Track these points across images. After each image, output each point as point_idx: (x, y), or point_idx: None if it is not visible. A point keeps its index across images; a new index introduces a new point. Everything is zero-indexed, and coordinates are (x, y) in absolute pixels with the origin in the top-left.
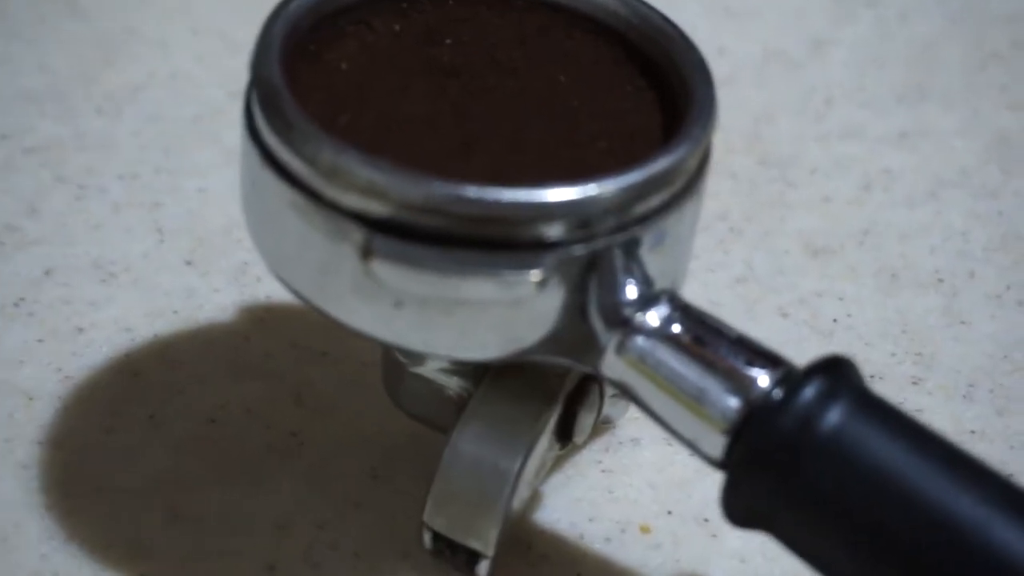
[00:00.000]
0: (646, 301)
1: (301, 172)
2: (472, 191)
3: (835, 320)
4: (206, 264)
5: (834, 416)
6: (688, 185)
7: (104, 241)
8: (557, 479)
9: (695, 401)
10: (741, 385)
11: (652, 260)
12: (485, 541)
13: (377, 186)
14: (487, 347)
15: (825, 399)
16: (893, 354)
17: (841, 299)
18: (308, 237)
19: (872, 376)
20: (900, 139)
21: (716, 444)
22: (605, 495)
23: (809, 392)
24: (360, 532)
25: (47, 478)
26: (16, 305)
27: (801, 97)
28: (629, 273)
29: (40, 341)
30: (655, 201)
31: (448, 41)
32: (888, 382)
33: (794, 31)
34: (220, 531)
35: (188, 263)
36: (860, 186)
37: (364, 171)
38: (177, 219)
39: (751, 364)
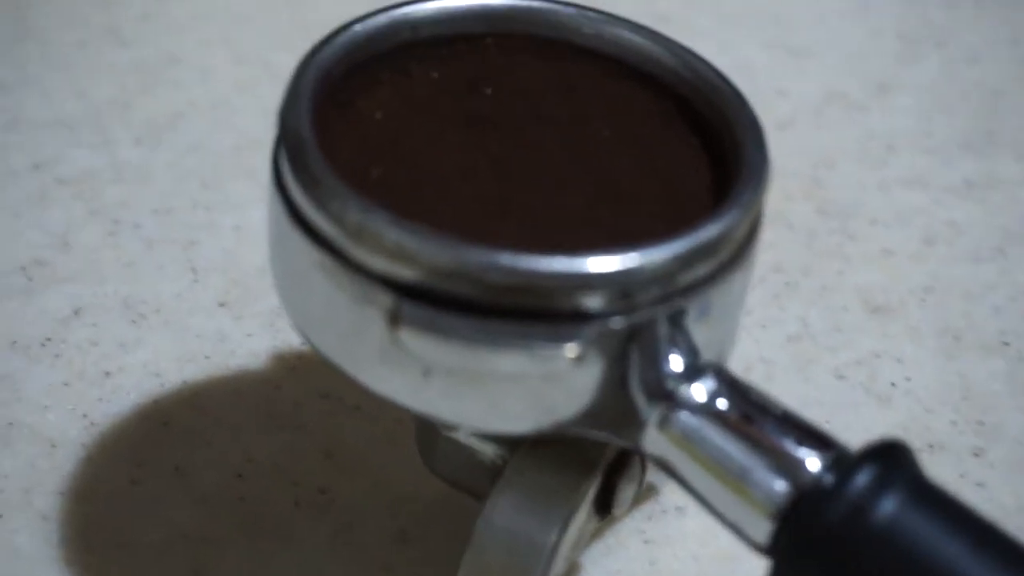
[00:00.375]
0: (691, 374)
1: (328, 231)
2: (506, 258)
3: (893, 384)
4: (240, 307)
5: (888, 506)
6: (737, 253)
7: (136, 279)
8: (597, 549)
9: (740, 482)
10: (789, 468)
11: (698, 331)
12: None
13: (406, 249)
14: (520, 420)
15: (878, 487)
16: (954, 422)
17: (900, 361)
18: (334, 299)
19: (931, 446)
20: (966, 189)
21: (761, 529)
22: (646, 567)
23: (862, 479)
24: None
25: (68, 531)
26: (43, 345)
27: (862, 142)
28: (673, 344)
29: (66, 384)
30: (702, 271)
31: (488, 90)
32: (947, 452)
33: (857, 72)
34: None
35: (221, 305)
36: (923, 239)
37: (392, 233)
38: (212, 258)
39: (800, 445)
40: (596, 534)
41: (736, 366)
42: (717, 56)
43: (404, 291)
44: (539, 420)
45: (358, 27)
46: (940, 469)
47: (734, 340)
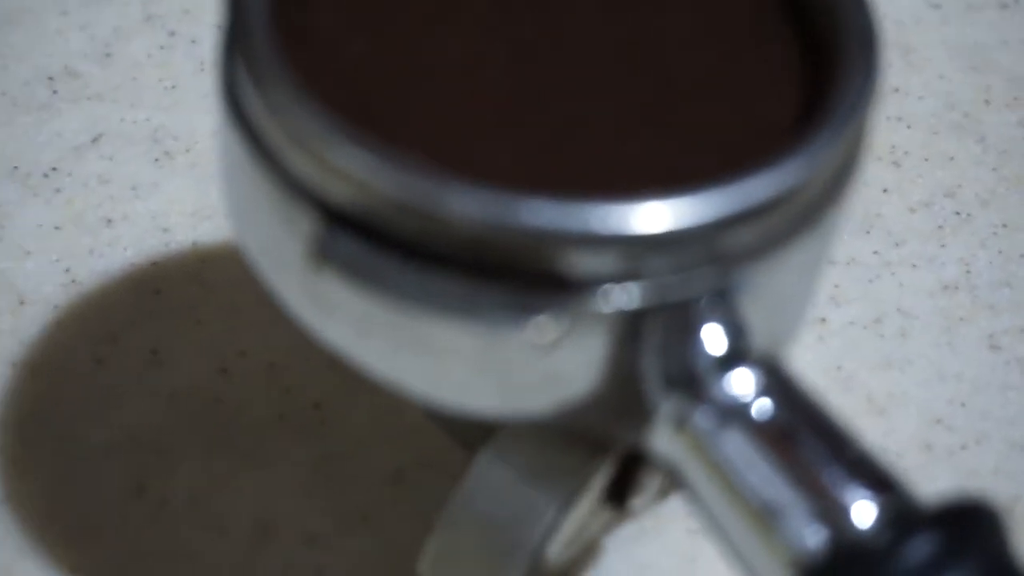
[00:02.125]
0: (730, 360)
1: (255, 117)
2: (460, 193)
3: None
4: None
5: None
6: (809, 213)
7: (174, 107)
8: (627, 531)
9: (764, 518)
10: (832, 513)
11: (745, 307)
12: None
13: (334, 158)
14: (479, 401)
15: (943, 561)
16: None
17: None
18: (259, 211)
19: None
20: None
21: None
22: (684, 565)
23: (922, 546)
24: (353, 562)
25: (8, 414)
26: (46, 176)
27: None
28: (709, 319)
29: (57, 228)
30: (746, 237)
31: None
32: None
33: None
34: (186, 520)
35: None
36: None
37: (320, 133)
38: None
39: (853, 485)
40: (607, 528)
41: (866, 313)
42: None
43: (334, 216)
44: (503, 405)
45: None
46: None
47: (800, 323)
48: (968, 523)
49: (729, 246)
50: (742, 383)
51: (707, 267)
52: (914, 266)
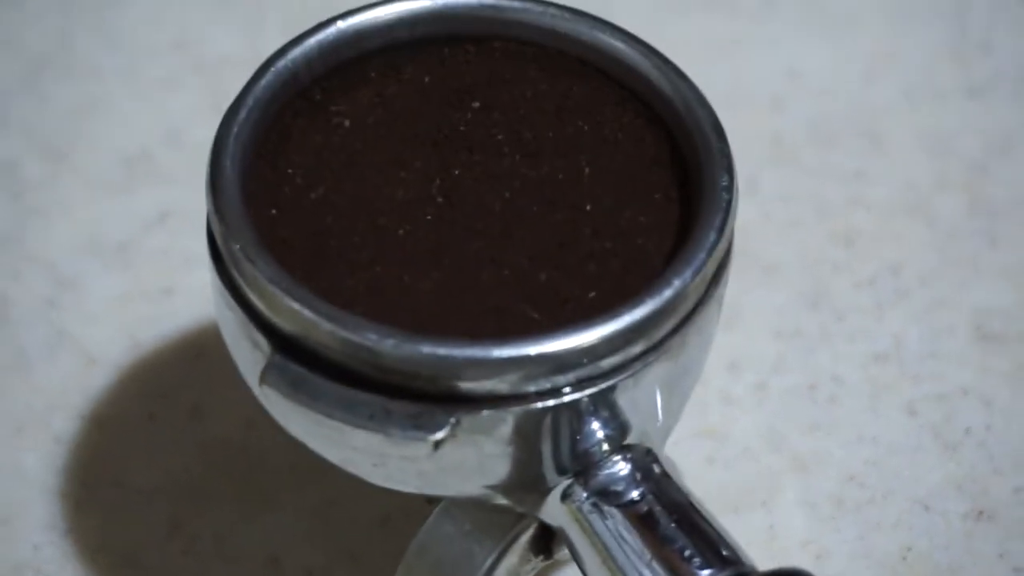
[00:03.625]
0: (611, 452)
1: (224, 254)
2: (371, 336)
3: (968, 430)
4: None
5: None
6: (667, 338)
7: None
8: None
9: None
10: None
11: (624, 409)
12: None
13: (273, 298)
14: (401, 483)
15: None
16: (1019, 490)
17: (988, 404)
18: (227, 327)
19: (980, 513)
20: None
21: None
22: None
23: None
24: None
25: (73, 460)
26: (118, 251)
27: None
28: (592, 419)
29: (125, 297)
30: (615, 359)
31: (476, 104)
32: (995, 524)
33: None
34: (210, 554)
35: None
36: None
37: (268, 284)
38: None
39: (700, 559)
40: (540, 573)
41: (802, 380)
42: None
43: (281, 340)
44: (419, 486)
45: (342, 23)
46: (981, 542)
47: (675, 418)
48: None
49: (603, 364)
50: (619, 471)
51: (586, 381)
52: (852, 338)
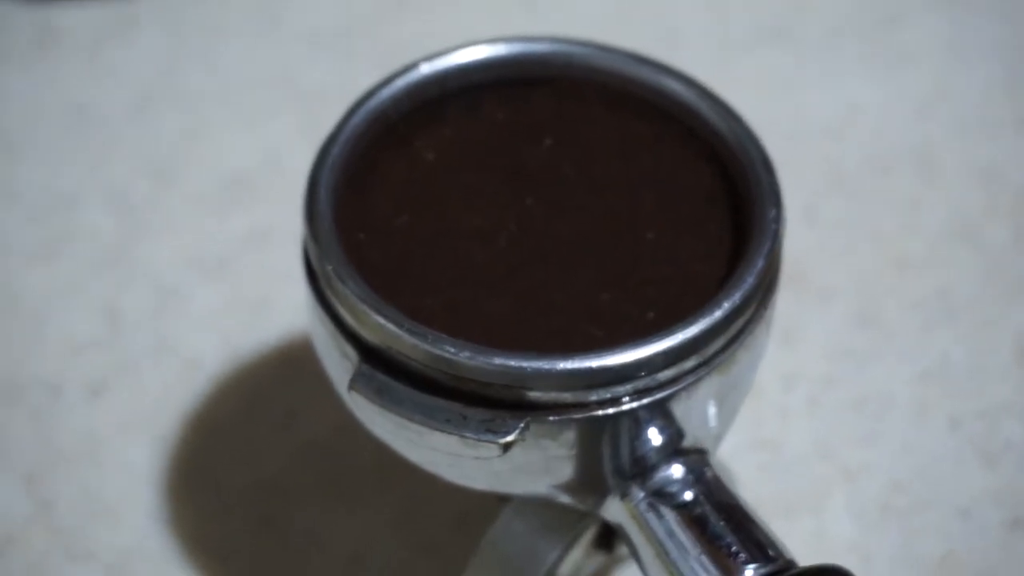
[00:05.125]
0: (667, 457)
1: (319, 272)
2: (448, 350)
3: (1008, 443)
4: None
5: None
6: (712, 357)
7: None
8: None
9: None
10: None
11: (680, 417)
12: None
13: (362, 314)
14: (472, 481)
15: None
16: None
17: None
18: (320, 341)
19: (1016, 521)
20: None
21: None
22: None
23: None
24: None
25: (175, 457)
26: (218, 267)
27: None
28: (649, 426)
29: (225, 307)
30: (671, 372)
31: (548, 141)
32: None
33: None
34: (298, 546)
35: None
36: None
37: (354, 297)
38: None
39: (745, 555)
40: (602, 568)
41: (853, 395)
42: None
43: (367, 351)
44: (491, 484)
45: (426, 67)
46: (1017, 548)
47: (728, 426)
48: None
49: (659, 376)
50: (672, 477)
51: (643, 392)
52: (900, 356)
